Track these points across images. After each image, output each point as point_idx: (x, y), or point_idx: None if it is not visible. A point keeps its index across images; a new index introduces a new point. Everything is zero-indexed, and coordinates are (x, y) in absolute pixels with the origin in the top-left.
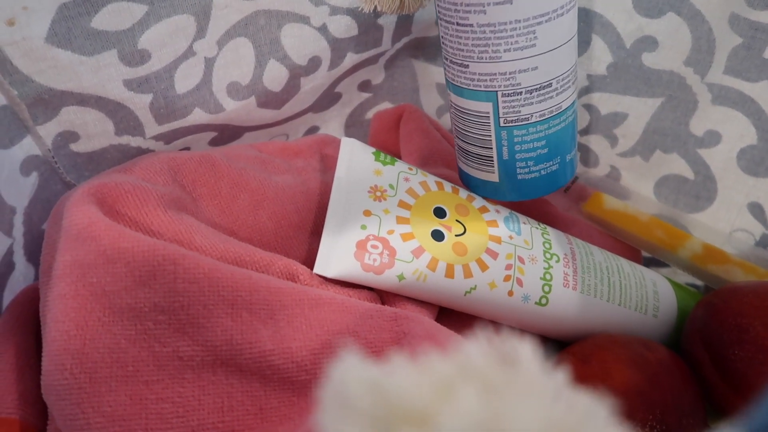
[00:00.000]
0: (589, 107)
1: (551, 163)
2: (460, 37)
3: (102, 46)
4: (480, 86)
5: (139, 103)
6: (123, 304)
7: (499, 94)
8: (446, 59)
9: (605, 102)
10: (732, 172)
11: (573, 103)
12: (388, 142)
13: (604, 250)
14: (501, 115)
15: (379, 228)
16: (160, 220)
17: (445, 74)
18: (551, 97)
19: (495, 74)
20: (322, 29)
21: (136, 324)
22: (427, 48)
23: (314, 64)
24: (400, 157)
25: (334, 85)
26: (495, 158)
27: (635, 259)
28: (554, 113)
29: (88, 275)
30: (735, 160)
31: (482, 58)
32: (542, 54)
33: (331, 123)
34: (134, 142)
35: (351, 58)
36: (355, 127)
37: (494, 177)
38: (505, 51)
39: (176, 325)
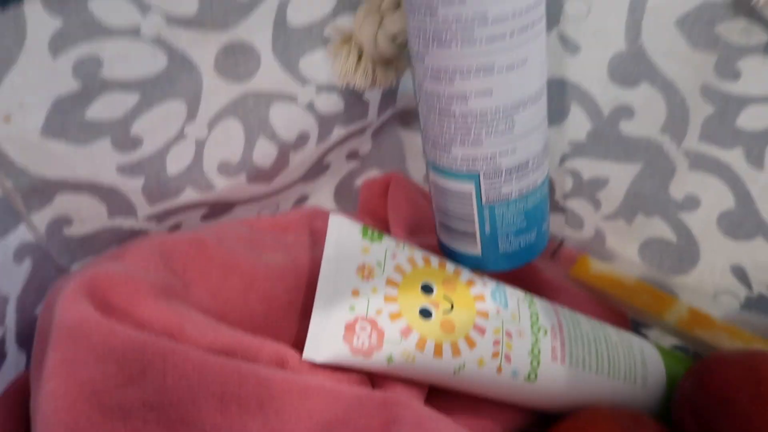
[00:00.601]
0: (571, 172)
1: (529, 234)
2: (443, 124)
3: (96, 135)
4: (462, 168)
5: (132, 187)
6: (113, 403)
7: (481, 175)
8: (427, 142)
9: (587, 167)
10: (713, 235)
11: (546, 177)
12: (377, 210)
13: (592, 319)
14: (483, 194)
15: (368, 308)
16: (150, 311)
17: (426, 155)
18: (528, 175)
19: (477, 157)
20: (309, 106)
21: (125, 423)
22: (412, 118)
23: (302, 139)
24: (388, 224)
25: (323, 157)
26: (477, 234)
27: (623, 325)
28: (531, 189)
29: (79, 373)
30: (715, 224)
31: (464, 143)
32: (519, 137)
33: (321, 191)
34: (126, 223)
35: (338, 132)
36: (344, 194)
37: (477, 251)
38: (486, 136)
39: (165, 422)
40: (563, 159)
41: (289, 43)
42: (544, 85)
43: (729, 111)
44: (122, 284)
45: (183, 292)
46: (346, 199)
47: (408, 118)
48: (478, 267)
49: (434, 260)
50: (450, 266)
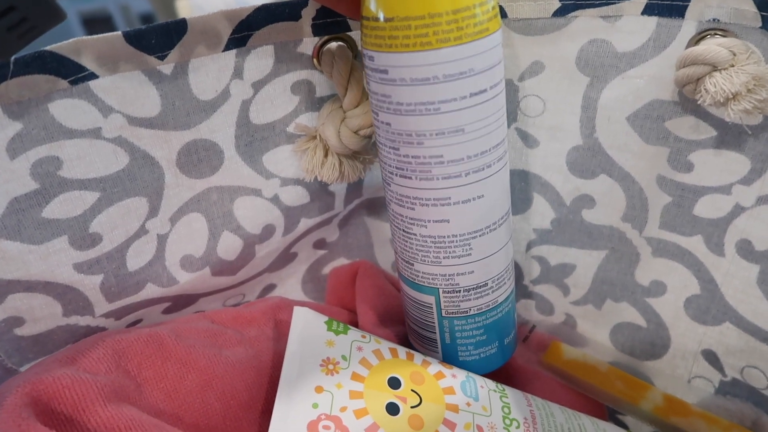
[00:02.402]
0: (539, 258)
1: (489, 347)
2: (406, 242)
3: (52, 234)
4: (423, 282)
5: (89, 285)
6: None
7: (440, 290)
8: (396, 252)
9: (553, 254)
10: (682, 320)
11: (509, 296)
12: (345, 298)
13: (566, 409)
14: (443, 307)
15: (332, 405)
16: (98, 417)
17: (395, 262)
18: (487, 294)
19: (436, 275)
20: (274, 199)
21: None
22: (379, 207)
23: (268, 231)
24: (356, 313)
25: (290, 247)
26: (438, 342)
27: (599, 413)
28: (491, 306)
29: None
30: (683, 309)
31: (425, 261)
32: (477, 261)
33: (288, 280)
34: (83, 321)
35: (305, 223)
36: (312, 282)
37: (438, 357)
38: (444, 258)
39: None
40: (529, 246)
41: (253, 140)
42: (506, 213)
43: (686, 200)
44: (68, 390)
45: (136, 393)
46: (313, 287)
47: (374, 207)
48: None
49: (401, 351)
50: (418, 357)
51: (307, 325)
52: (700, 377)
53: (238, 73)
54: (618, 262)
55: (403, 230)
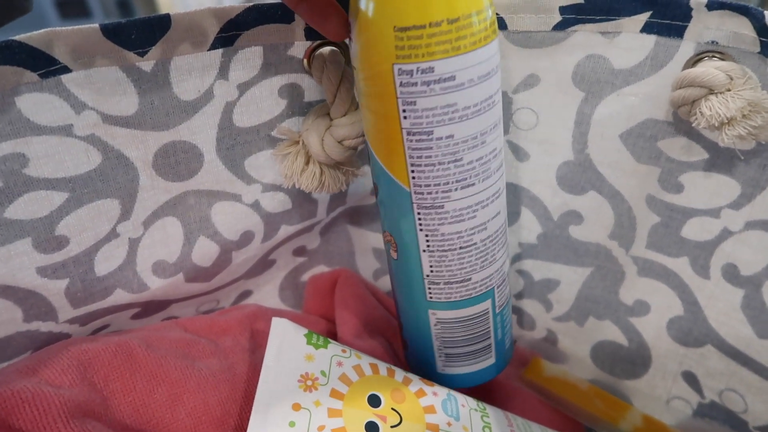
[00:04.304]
0: (522, 273)
1: (512, 325)
2: (462, 259)
3: (15, 236)
4: (481, 290)
5: (53, 289)
6: None
7: (495, 288)
8: (436, 283)
9: (538, 268)
10: (663, 341)
11: None
12: (323, 307)
13: (546, 429)
14: (497, 304)
15: (309, 424)
16: None
17: (430, 296)
18: (513, 265)
19: (492, 274)
20: (255, 205)
21: None
22: (363, 215)
23: (246, 238)
24: (335, 322)
25: (268, 254)
26: (492, 343)
27: None
28: (510, 286)
29: None
30: (665, 330)
31: (483, 266)
32: (508, 240)
33: (265, 287)
34: (45, 327)
35: (285, 230)
36: (290, 289)
37: (491, 360)
38: (497, 251)
39: None
40: (514, 260)
41: (235, 143)
42: None
43: (674, 221)
44: (28, 404)
45: (101, 407)
46: (291, 294)
47: (358, 215)
48: (487, 378)
49: (382, 367)
50: (399, 374)
51: (285, 338)
52: (678, 398)
53: (223, 73)
54: (603, 280)
55: (459, 248)
